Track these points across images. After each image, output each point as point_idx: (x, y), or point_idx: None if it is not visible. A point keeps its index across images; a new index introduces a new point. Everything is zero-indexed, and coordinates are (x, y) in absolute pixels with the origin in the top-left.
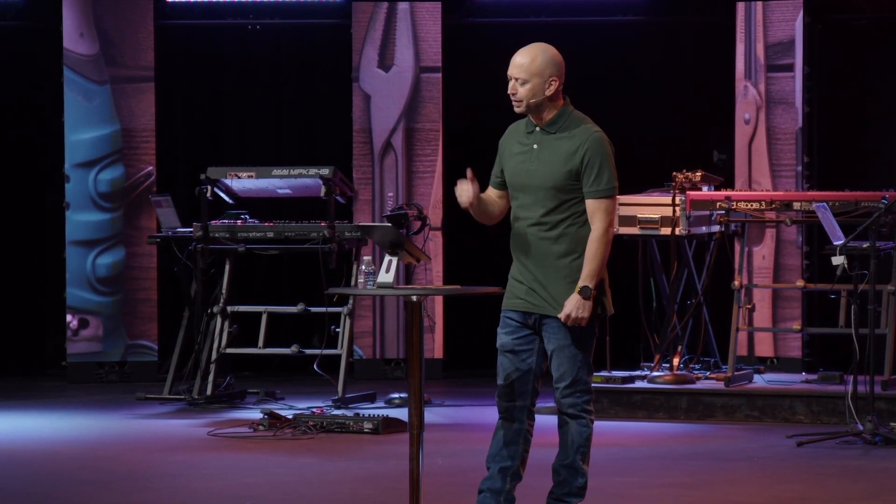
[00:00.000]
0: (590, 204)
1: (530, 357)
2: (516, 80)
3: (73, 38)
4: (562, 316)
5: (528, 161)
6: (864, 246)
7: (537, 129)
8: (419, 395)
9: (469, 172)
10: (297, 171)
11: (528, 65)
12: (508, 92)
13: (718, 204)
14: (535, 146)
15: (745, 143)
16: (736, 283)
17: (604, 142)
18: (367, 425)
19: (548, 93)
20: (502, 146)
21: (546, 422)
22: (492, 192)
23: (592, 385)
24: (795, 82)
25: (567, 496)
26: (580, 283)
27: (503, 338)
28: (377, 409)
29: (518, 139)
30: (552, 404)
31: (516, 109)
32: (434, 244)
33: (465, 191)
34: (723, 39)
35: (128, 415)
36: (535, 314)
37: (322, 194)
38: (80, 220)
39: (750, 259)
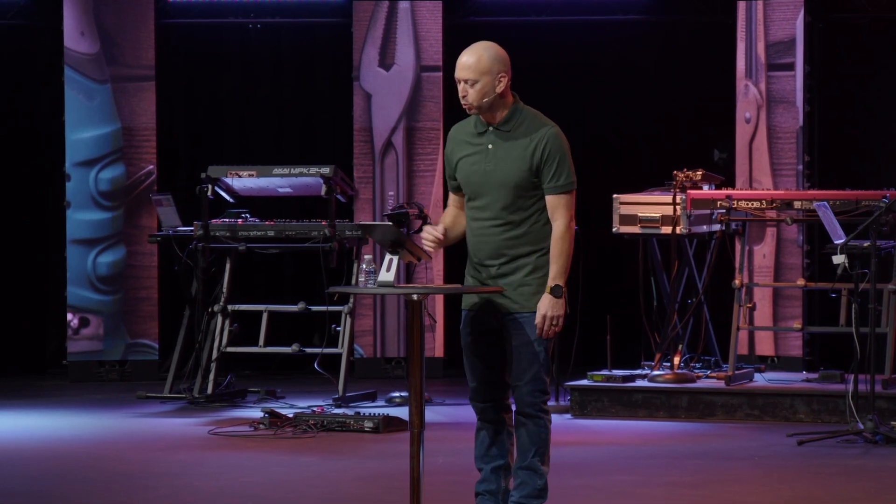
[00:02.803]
0: (550, 200)
1: (497, 354)
2: (465, 81)
3: (74, 36)
4: (538, 319)
5: (483, 161)
6: (865, 245)
7: (490, 128)
8: (420, 393)
9: (441, 228)
10: (297, 170)
11: (475, 64)
12: (460, 96)
13: (719, 203)
14: (489, 146)
15: (746, 142)
16: (737, 281)
17: (561, 137)
18: (368, 424)
19: (498, 90)
20: (450, 149)
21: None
22: (453, 201)
23: (586, 385)
24: (796, 81)
25: (527, 498)
26: (551, 283)
27: (467, 337)
28: (378, 408)
29: (467, 140)
30: (556, 402)
31: (469, 112)
32: None
33: (431, 237)
34: (723, 38)
35: (128, 414)
36: (500, 313)
37: (323, 193)
38: (81, 218)
39: (751, 258)
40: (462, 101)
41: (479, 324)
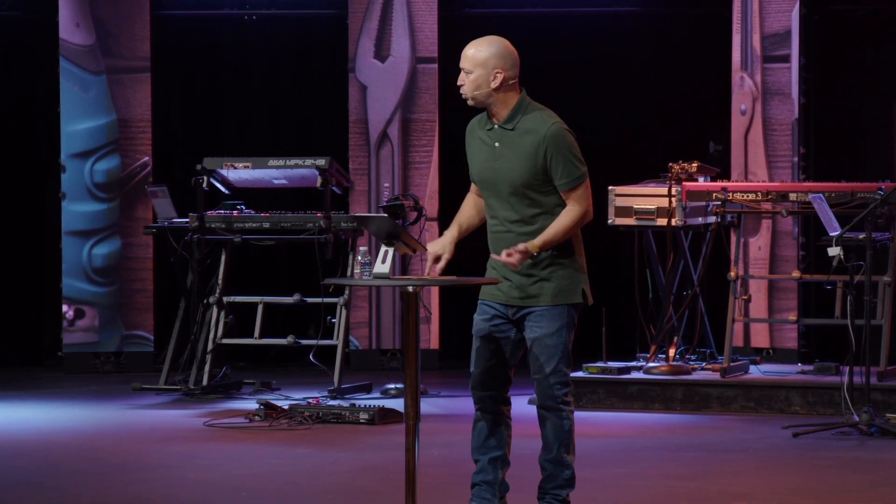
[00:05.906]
0: (566, 195)
1: (506, 346)
2: (463, 70)
3: (70, 28)
4: (504, 251)
5: (491, 160)
6: (860, 237)
7: (496, 126)
8: (415, 385)
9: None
10: (293, 162)
11: (473, 55)
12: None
13: (714, 195)
14: (496, 144)
15: (742, 134)
16: (732, 273)
17: (562, 132)
18: (363, 416)
19: (493, 85)
20: (467, 141)
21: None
22: (474, 188)
23: (582, 377)
24: (792, 73)
25: (556, 489)
26: (536, 242)
27: (480, 324)
28: (373, 400)
29: (480, 136)
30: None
31: (466, 100)
32: (430, 235)
33: (435, 254)
34: (719, 30)
35: (124, 405)
36: (517, 307)
37: (318, 185)
38: (77, 210)
39: (746, 250)
40: (460, 91)
41: (495, 313)
